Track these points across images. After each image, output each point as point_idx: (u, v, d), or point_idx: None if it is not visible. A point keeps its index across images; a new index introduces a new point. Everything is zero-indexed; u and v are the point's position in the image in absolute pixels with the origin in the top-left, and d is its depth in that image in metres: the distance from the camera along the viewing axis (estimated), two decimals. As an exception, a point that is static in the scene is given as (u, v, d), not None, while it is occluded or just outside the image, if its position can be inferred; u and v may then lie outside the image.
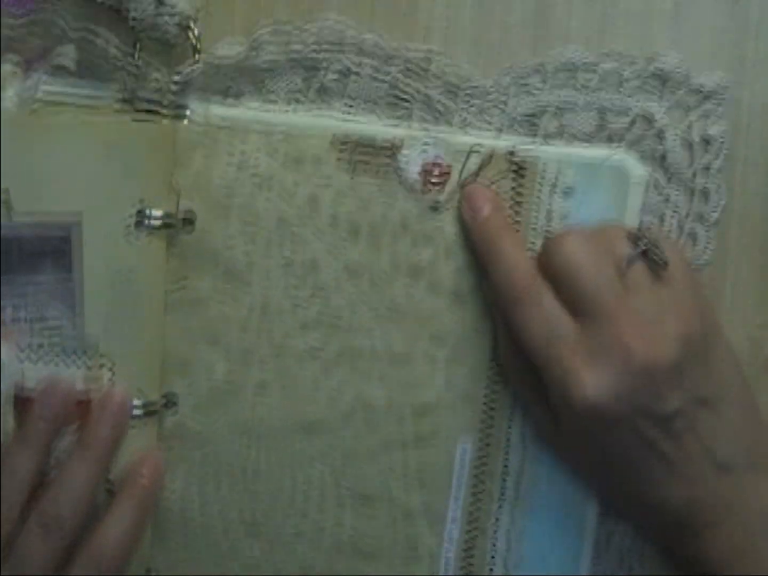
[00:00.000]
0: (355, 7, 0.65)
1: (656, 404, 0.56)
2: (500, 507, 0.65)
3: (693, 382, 0.57)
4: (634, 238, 0.59)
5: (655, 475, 0.58)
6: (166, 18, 0.62)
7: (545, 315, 0.58)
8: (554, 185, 0.64)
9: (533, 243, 0.64)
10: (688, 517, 0.58)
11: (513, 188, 0.64)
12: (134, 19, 0.62)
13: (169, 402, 0.64)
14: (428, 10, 0.66)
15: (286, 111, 0.64)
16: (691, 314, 0.58)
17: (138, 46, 0.63)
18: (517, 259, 0.60)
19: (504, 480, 0.65)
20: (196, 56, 0.63)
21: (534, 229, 0.64)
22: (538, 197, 0.64)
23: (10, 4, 0.62)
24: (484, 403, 0.65)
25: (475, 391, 0.65)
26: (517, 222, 0.64)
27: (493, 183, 0.64)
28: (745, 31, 0.66)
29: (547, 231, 0.64)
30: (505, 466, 0.65)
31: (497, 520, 0.65)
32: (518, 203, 0.64)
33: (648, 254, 0.59)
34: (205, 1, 0.64)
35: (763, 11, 0.65)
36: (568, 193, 0.64)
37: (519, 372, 0.62)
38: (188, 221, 0.63)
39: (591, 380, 0.55)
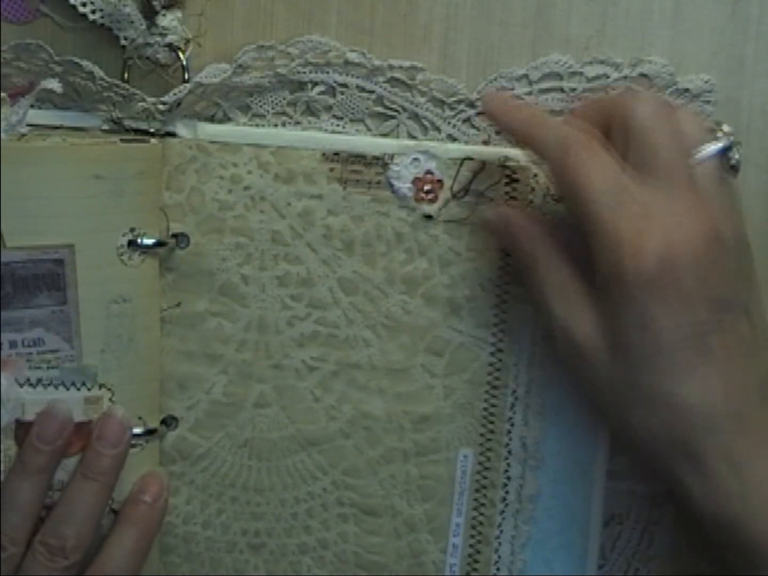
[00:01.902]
0: (355, 7, 0.64)
1: (715, 281, 0.54)
2: (503, 515, 0.65)
3: (739, 286, 0.56)
4: (713, 131, 0.58)
5: (694, 360, 0.54)
6: (157, 39, 0.61)
7: (607, 167, 0.55)
8: (547, 191, 0.63)
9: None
10: (728, 431, 0.54)
11: (507, 194, 0.63)
12: (125, 39, 0.61)
13: (169, 419, 0.64)
14: (428, 10, 0.65)
15: (275, 126, 0.64)
16: (740, 217, 0.58)
17: (126, 69, 0.62)
18: (566, 125, 0.58)
19: (506, 488, 0.65)
20: (186, 77, 0.62)
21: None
22: (532, 204, 0.63)
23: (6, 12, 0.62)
24: (484, 413, 0.65)
25: (474, 401, 0.65)
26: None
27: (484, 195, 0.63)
28: (745, 31, 0.64)
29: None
30: (507, 475, 0.65)
31: (500, 528, 0.65)
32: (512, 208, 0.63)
33: (726, 153, 0.57)
34: (197, 30, 0.63)
35: (763, 11, 0.64)
36: (560, 198, 0.63)
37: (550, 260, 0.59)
38: (182, 237, 0.63)
39: (663, 231, 0.53)
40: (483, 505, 0.65)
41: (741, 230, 0.57)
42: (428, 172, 0.63)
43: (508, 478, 0.65)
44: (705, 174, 0.56)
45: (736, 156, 0.57)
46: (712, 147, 0.57)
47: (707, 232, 0.54)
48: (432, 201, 0.63)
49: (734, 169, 0.58)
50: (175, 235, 0.63)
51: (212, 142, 0.63)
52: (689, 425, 0.54)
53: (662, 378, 0.54)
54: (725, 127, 0.58)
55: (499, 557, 0.65)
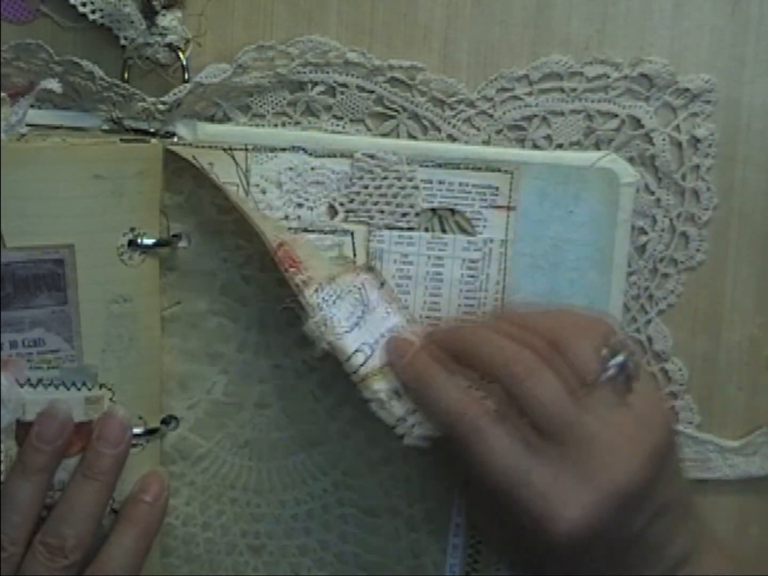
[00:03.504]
0: (355, 7, 0.64)
1: (629, 522, 0.54)
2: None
3: (661, 492, 0.55)
4: (609, 354, 0.55)
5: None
6: (157, 39, 0.61)
7: (503, 449, 0.54)
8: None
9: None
10: None
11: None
12: (125, 39, 0.61)
13: (170, 418, 0.64)
14: (428, 10, 0.65)
15: (275, 125, 0.64)
16: (659, 428, 0.55)
17: (126, 69, 0.62)
18: (459, 391, 0.56)
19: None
20: (186, 77, 0.62)
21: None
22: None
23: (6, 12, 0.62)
24: (485, 412, 0.65)
25: (475, 400, 0.65)
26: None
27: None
28: (745, 31, 0.65)
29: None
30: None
31: (501, 526, 0.65)
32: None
33: (623, 370, 0.54)
34: (197, 30, 0.62)
35: (763, 11, 0.64)
36: (559, 198, 0.63)
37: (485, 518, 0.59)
38: (183, 237, 0.63)
39: (568, 508, 0.52)
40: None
41: (667, 434, 0.56)
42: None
43: (509, 478, 0.65)
44: (604, 398, 0.54)
45: (631, 368, 0.54)
46: (610, 370, 0.54)
47: (610, 490, 0.53)
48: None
49: (632, 380, 0.55)
50: (175, 235, 0.63)
51: (209, 147, 0.62)
52: None
53: None
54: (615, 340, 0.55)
55: (500, 557, 0.65)
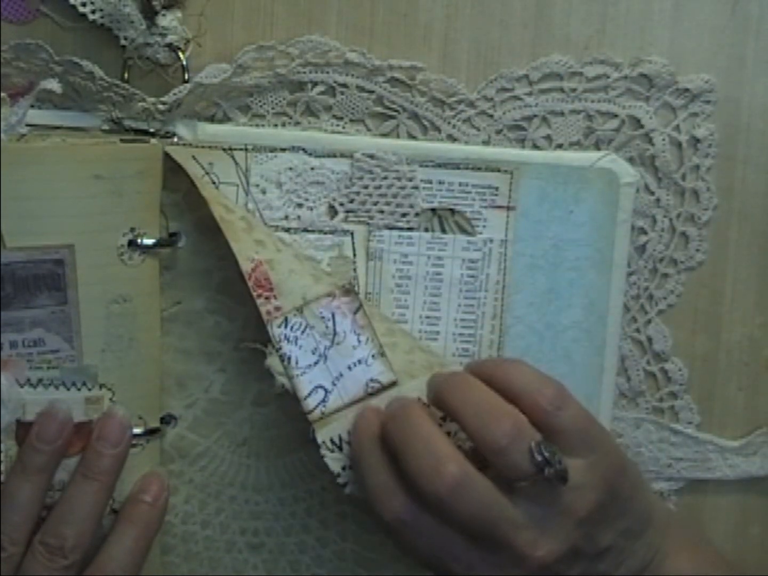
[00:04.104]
0: (355, 7, 0.64)
1: (590, 546, 0.56)
2: None
3: (620, 519, 0.57)
4: (534, 461, 0.54)
5: None
6: (157, 39, 0.61)
7: (488, 497, 0.54)
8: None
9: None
10: None
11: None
12: (125, 39, 0.61)
13: (168, 417, 0.64)
14: (428, 10, 0.65)
15: (275, 125, 0.64)
16: (600, 492, 0.56)
17: (126, 69, 0.62)
18: (442, 449, 0.55)
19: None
20: (186, 77, 0.62)
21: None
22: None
23: (6, 12, 0.62)
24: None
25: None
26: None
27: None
28: (745, 31, 0.65)
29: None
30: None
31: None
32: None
33: (549, 477, 0.53)
34: (197, 30, 0.63)
35: (763, 11, 0.64)
36: (559, 198, 0.63)
37: None
38: (180, 235, 0.63)
39: (539, 551, 0.54)
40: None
41: (606, 496, 0.56)
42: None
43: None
44: (537, 494, 0.55)
45: (556, 469, 0.53)
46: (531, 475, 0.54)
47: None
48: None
49: (560, 479, 0.54)
50: (172, 234, 0.63)
51: (209, 147, 0.62)
52: None
53: None
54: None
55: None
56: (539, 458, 0.53)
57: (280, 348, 0.58)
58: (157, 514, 0.63)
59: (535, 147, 0.65)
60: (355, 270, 0.63)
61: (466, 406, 0.55)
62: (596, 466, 0.55)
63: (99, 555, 0.60)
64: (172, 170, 0.62)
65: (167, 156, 0.62)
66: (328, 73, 0.64)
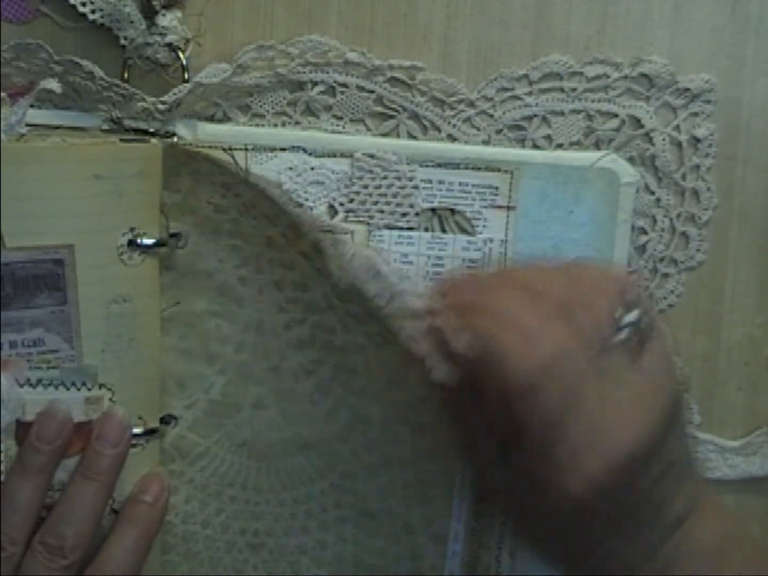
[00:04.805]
0: (355, 7, 0.64)
1: (640, 480, 0.54)
2: (503, 522, 0.65)
3: (668, 450, 0.55)
4: (623, 313, 0.54)
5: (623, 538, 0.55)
6: (157, 39, 0.61)
7: (552, 402, 0.53)
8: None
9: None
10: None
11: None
12: (125, 39, 0.61)
13: (168, 417, 0.64)
14: (428, 10, 0.65)
15: (275, 125, 0.64)
16: (669, 386, 0.55)
17: (126, 69, 0.62)
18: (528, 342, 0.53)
19: (506, 491, 0.65)
20: (186, 77, 0.62)
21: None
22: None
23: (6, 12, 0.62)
24: (484, 415, 0.65)
25: (474, 406, 0.65)
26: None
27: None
28: (745, 31, 0.65)
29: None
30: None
31: (500, 534, 0.65)
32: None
33: (636, 330, 0.54)
34: (197, 30, 0.63)
35: (763, 11, 0.64)
36: (559, 197, 0.63)
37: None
38: (181, 236, 0.63)
39: (583, 476, 0.52)
40: (483, 513, 0.65)
41: (676, 393, 0.55)
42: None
43: (508, 483, 0.65)
44: (618, 361, 0.54)
45: (647, 324, 0.54)
46: (623, 333, 0.54)
47: (623, 456, 0.53)
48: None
49: (647, 336, 0.54)
50: (173, 235, 0.63)
51: (209, 144, 0.62)
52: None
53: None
54: (631, 297, 0.54)
55: (500, 563, 0.66)
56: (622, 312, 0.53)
57: None
58: (158, 514, 0.63)
59: (535, 147, 0.65)
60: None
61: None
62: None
63: (99, 555, 0.60)
64: (174, 170, 0.62)
65: (168, 155, 0.62)
66: (328, 72, 0.64)
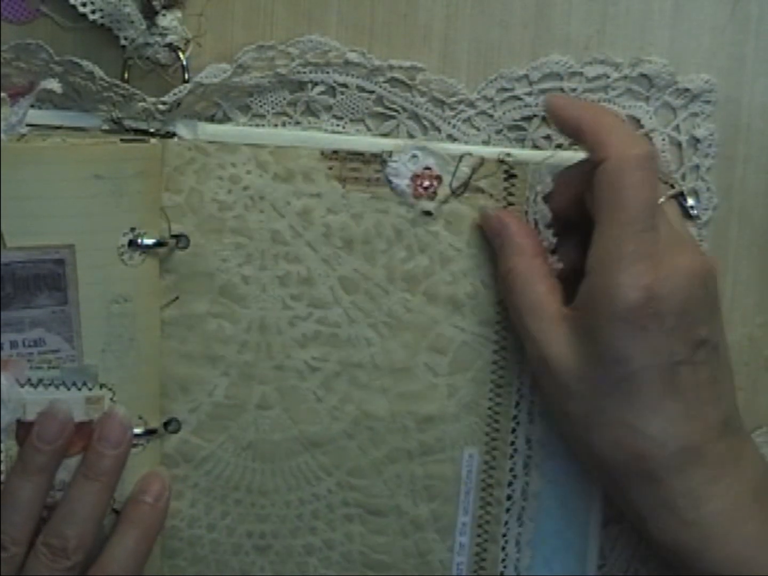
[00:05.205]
0: (355, 7, 0.64)
1: (694, 320, 0.55)
2: (509, 513, 0.65)
3: (714, 323, 0.57)
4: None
5: (663, 397, 0.55)
6: (157, 39, 0.61)
7: (650, 187, 0.57)
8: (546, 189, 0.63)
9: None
10: (689, 465, 0.56)
11: (505, 189, 0.63)
12: (125, 39, 0.61)
13: (172, 421, 0.64)
14: (428, 10, 0.65)
15: (275, 125, 0.64)
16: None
17: (126, 69, 0.62)
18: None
19: (511, 486, 0.65)
20: (186, 77, 0.62)
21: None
22: (529, 200, 0.63)
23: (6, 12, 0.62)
24: (488, 411, 0.65)
25: (479, 399, 0.65)
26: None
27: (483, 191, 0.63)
28: (745, 31, 0.65)
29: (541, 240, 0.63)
30: (512, 473, 0.65)
31: (507, 526, 0.65)
32: (511, 204, 0.64)
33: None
34: (197, 30, 0.63)
35: (763, 11, 0.65)
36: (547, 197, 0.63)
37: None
38: (182, 238, 0.63)
39: (653, 277, 0.54)
40: (489, 504, 0.65)
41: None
42: (426, 168, 0.63)
43: (514, 476, 0.65)
44: (676, 214, 0.59)
45: (691, 202, 0.60)
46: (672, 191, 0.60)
47: (696, 269, 0.56)
48: (431, 197, 0.63)
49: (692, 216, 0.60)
50: (174, 236, 0.63)
51: (210, 142, 0.63)
52: (650, 457, 0.56)
53: (628, 410, 0.56)
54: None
55: (506, 555, 0.65)
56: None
57: None
58: (159, 514, 0.62)
59: (535, 147, 0.65)
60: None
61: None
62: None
63: (101, 556, 0.60)
64: (175, 171, 0.62)
65: (169, 155, 0.62)
66: (328, 73, 0.64)
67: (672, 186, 0.61)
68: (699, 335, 0.56)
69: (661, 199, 0.58)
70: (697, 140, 0.65)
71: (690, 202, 0.62)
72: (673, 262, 0.55)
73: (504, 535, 0.65)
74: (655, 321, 0.54)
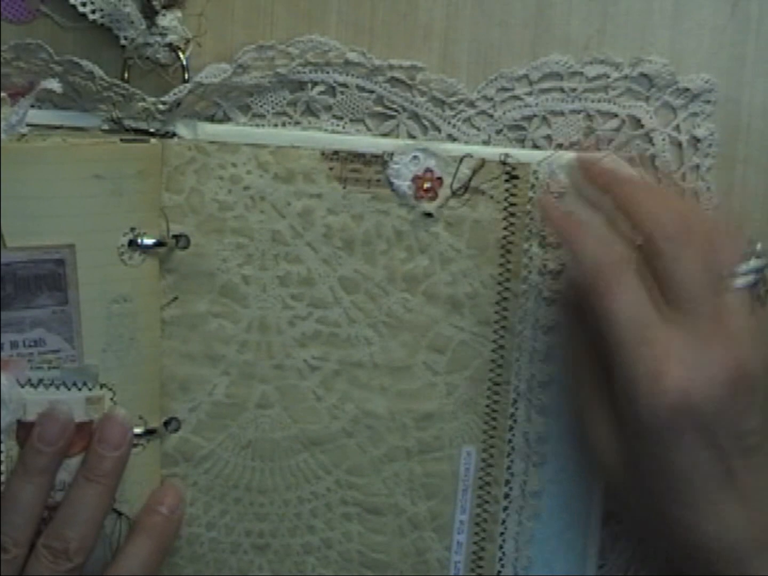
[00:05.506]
0: (355, 7, 0.64)
1: (735, 417, 0.53)
2: (507, 512, 0.65)
3: (755, 413, 0.54)
4: (748, 255, 0.56)
5: (716, 494, 0.54)
6: (157, 39, 0.61)
7: (636, 300, 0.54)
8: (547, 188, 0.63)
9: (530, 246, 0.64)
10: (743, 543, 0.54)
11: (507, 190, 0.63)
12: (125, 39, 0.61)
13: (172, 421, 0.64)
14: (428, 10, 0.65)
15: (275, 125, 0.64)
16: None
17: (126, 69, 0.62)
18: (601, 243, 0.56)
19: (509, 485, 0.65)
20: (186, 77, 0.62)
21: (530, 231, 0.64)
22: (532, 201, 0.64)
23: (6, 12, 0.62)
24: (486, 410, 0.65)
25: (477, 398, 0.65)
26: (513, 224, 0.64)
27: (484, 192, 0.63)
28: (745, 31, 0.65)
29: (542, 236, 0.63)
30: (510, 471, 0.65)
31: (504, 524, 0.66)
32: (513, 205, 0.64)
33: (759, 282, 0.56)
34: (197, 30, 0.63)
35: (763, 11, 0.64)
36: (560, 195, 0.63)
37: (587, 383, 0.59)
38: (182, 238, 0.63)
39: (681, 369, 0.52)
40: (487, 502, 0.65)
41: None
42: (428, 169, 0.63)
43: (512, 475, 0.65)
44: (736, 303, 0.55)
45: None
46: (747, 277, 0.55)
47: (730, 370, 0.53)
48: (432, 199, 0.63)
49: (763, 297, 0.56)
50: (175, 236, 0.63)
51: (210, 142, 0.63)
52: (708, 550, 0.54)
53: (682, 511, 0.55)
54: (759, 246, 0.56)
55: (504, 554, 0.66)
56: (749, 249, 0.55)
57: None
58: (173, 526, 0.63)
59: (535, 147, 0.65)
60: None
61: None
62: None
63: (114, 564, 0.61)
64: (175, 171, 0.62)
65: (170, 155, 0.62)
66: (328, 72, 0.64)
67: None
68: (745, 430, 0.54)
69: (734, 284, 0.55)
70: (698, 140, 0.65)
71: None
72: (708, 365, 0.53)
73: (502, 534, 0.66)
74: (688, 429, 0.53)
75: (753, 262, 0.55)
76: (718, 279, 0.54)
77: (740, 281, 0.55)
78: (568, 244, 0.58)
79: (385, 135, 0.65)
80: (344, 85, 0.64)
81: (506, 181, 0.63)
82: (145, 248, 0.61)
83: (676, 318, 0.54)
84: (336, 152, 0.63)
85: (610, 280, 0.54)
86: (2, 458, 0.59)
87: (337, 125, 0.64)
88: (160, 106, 0.61)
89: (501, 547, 0.66)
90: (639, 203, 0.56)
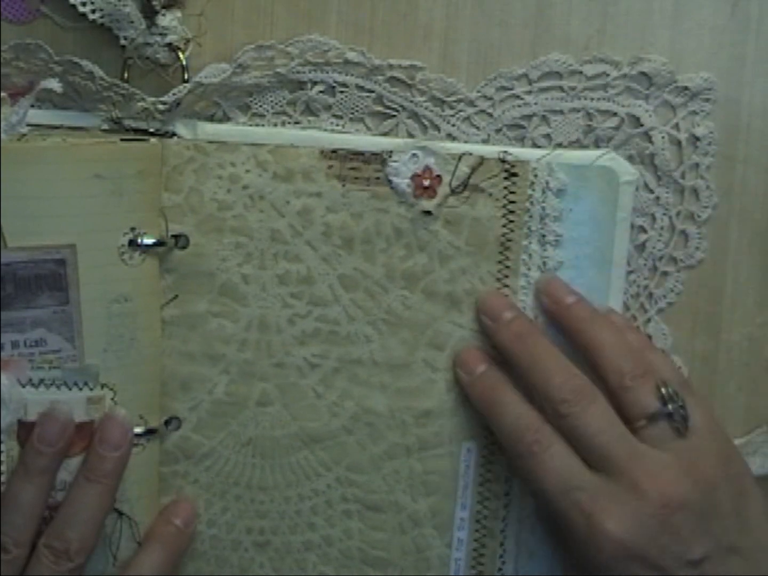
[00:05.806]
0: (355, 7, 0.64)
1: (681, 547, 0.55)
2: (507, 507, 0.66)
3: (722, 530, 0.56)
4: (660, 397, 0.58)
5: None
6: (157, 39, 0.61)
7: (559, 466, 0.57)
8: (546, 186, 0.63)
9: (529, 243, 0.64)
10: None
11: (505, 188, 0.63)
12: (125, 39, 0.61)
13: (172, 420, 0.64)
14: (428, 10, 0.65)
15: (275, 125, 0.64)
16: (715, 462, 0.57)
17: (126, 69, 0.62)
18: (520, 411, 0.60)
19: (509, 481, 0.66)
20: (186, 77, 0.62)
21: (529, 229, 0.64)
22: (531, 198, 0.63)
23: (6, 12, 0.62)
24: (486, 408, 0.65)
25: (477, 397, 0.65)
26: (512, 222, 0.64)
27: (483, 190, 0.63)
28: (745, 31, 0.65)
29: (542, 234, 0.63)
30: (510, 467, 0.65)
31: (505, 521, 0.66)
32: (512, 203, 0.64)
33: (672, 415, 0.58)
34: (197, 30, 0.63)
35: (763, 11, 0.64)
36: (560, 193, 0.64)
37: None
38: (182, 238, 0.63)
39: (612, 522, 0.55)
40: (487, 498, 0.66)
41: (724, 472, 0.57)
42: (427, 168, 0.63)
43: (512, 471, 0.65)
44: (653, 443, 0.57)
45: (681, 413, 0.58)
46: (656, 413, 0.58)
47: (657, 508, 0.55)
48: (431, 197, 0.63)
49: (682, 424, 0.58)
50: (174, 236, 0.63)
51: (210, 142, 0.63)
52: None
53: None
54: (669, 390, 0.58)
55: (505, 551, 0.66)
56: (665, 392, 0.57)
57: None
58: (185, 539, 0.64)
59: (535, 146, 0.65)
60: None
61: (600, 341, 0.59)
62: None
63: (127, 570, 0.61)
64: (174, 171, 0.62)
65: (169, 155, 0.62)
66: (327, 72, 0.64)
67: None
68: (694, 556, 0.55)
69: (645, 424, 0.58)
70: (697, 138, 0.65)
71: (680, 413, 0.58)
72: (631, 511, 0.55)
73: (502, 531, 0.66)
74: (632, 565, 0.55)
75: (662, 409, 0.58)
76: (629, 428, 0.57)
77: (652, 428, 0.57)
78: (490, 408, 0.62)
79: (384, 134, 0.65)
80: (344, 84, 0.64)
81: (505, 178, 0.63)
82: (145, 248, 0.61)
83: (598, 471, 0.57)
84: (335, 151, 0.63)
85: (530, 444, 0.58)
86: (3, 458, 0.59)
87: (337, 125, 0.65)
88: (160, 106, 0.61)
89: (502, 543, 0.66)
90: (534, 371, 0.60)
